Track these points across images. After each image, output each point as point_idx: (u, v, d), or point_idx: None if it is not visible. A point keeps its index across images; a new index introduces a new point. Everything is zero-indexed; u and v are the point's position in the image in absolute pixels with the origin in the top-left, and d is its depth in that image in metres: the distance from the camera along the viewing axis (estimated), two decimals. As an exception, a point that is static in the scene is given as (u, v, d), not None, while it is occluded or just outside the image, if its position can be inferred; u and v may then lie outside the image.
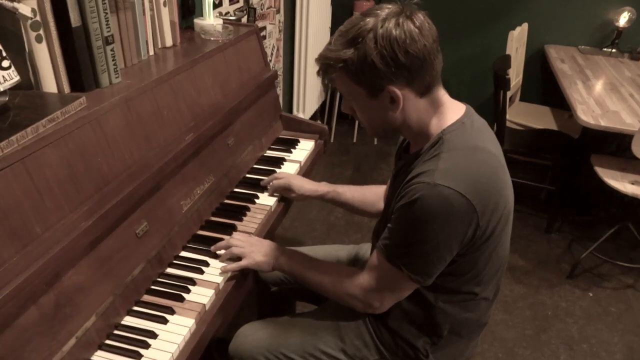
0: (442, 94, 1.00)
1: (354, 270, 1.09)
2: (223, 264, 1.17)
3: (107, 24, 1.08)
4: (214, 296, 1.10)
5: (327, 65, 0.95)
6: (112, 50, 1.11)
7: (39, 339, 0.82)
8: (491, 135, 1.03)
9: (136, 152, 1.10)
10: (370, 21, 0.90)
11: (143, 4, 1.27)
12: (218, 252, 1.20)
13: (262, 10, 2.34)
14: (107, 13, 1.07)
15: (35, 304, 0.82)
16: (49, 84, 1.03)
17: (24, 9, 0.86)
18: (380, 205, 1.31)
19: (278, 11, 2.57)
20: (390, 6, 0.93)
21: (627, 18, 2.80)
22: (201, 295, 1.09)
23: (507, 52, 2.59)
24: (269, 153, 1.72)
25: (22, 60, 0.97)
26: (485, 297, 1.07)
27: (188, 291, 1.10)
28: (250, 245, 1.19)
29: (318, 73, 0.99)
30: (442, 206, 0.89)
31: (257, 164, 1.63)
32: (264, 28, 2.42)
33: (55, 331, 0.85)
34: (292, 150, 1.74)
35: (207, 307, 1.07)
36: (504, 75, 2.29)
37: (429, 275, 0.97)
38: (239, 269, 1.16)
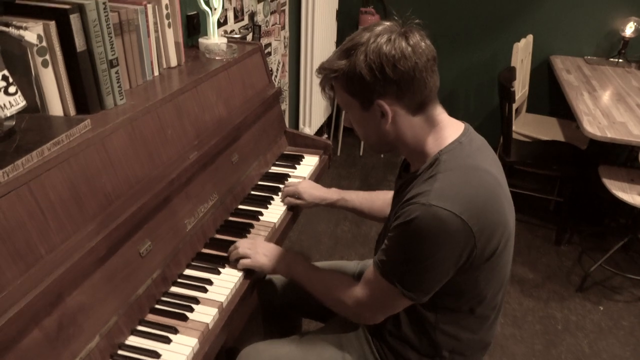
0: (439, 113, 1.00)
1: (351, 281, 1.10)
2: (228, 279, 1.19)
3: (111, 48, 1.10)
4: (217, 315, 1.10)
5: (323, 75, 0.99)
6: (116, 72, 1.13)
7: (43, 360, 0.82)
8: (490, 154, 1.03)
9: (140, 172, 1.12)
10: (365, 35, 0.94)
11: (148, 26, 1.29)
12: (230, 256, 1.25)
13: (267, 27, 2.37)
14: (111, 37, 1.09)
15: (39, 325, 0.83)
16: (55, 107, 1.05)
17: (30, 37, 0.88)
18: (388, 210, 1.32)
19: (283, 27, 2.60)
20: (389, 23, 0.96)
21: (633, 28, 2.79)
22: (205, 314, 1.09)
23: (512, 64, 2.59)
24: (274, 169, 1.73)
25: (29, 84, 1.00)
26: (487, 316, 1.06)
27: (192, 310, 1.10)
28: (255, 247, 1.23)
29: (320, 84, 1.02)
30: (437, 227, 0.89)
31: (261, 181, 1.64)
32: (269, 44, 2.45)
33: (58, 353, 0.86)
34: (297, 166, 1.75)
35: (210, 326, 1.08)
36: (508, 87, 2.29)
37: (423, 293, 0.97)
38: (241, 267, 1.21)
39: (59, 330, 0.86)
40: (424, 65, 0.92)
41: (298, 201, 1.48)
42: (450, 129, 1.01)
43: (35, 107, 1.03)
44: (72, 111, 1.09)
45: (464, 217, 0.89)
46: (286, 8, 2.59)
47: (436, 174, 0.94)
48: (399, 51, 0.90)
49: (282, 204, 1.52)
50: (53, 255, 0.88)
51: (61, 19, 0.99)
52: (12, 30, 0.87)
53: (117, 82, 1.14)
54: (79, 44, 1.03)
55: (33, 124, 0.98)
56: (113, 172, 1.05)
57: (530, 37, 2.93)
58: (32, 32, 0.90)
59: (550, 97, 3.19)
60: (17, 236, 0.83)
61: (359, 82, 0.93)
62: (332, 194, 1.46)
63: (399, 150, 1.06)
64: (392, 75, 0.91)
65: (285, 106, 2.85)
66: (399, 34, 0.92)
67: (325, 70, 0.98)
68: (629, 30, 2.81)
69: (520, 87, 2.82)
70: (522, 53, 2.73)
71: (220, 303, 1.13)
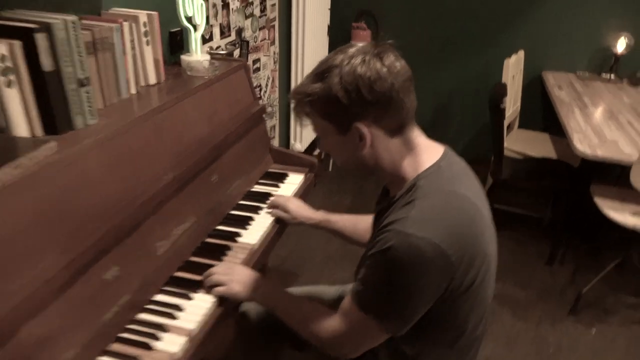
0: (416, 135, 0.97)
1: (328, 312, 1.05)
2: (199, 305, 1.15)
3: (82, 67, 1.07)
4: (186, 344, 1.06)
5: (297, 99, 0.95)
6: (87, 92, 1.10)
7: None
8: (471, 179, 1.00)
9: (110, 195, 1.08)
10: (338, 57, 0.91)
11: (124, 44, 1.27)
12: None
13: (255, 42, 2.36)
14: (82, 56, 1.07)
15: (-11, 361, 0.79)
16: (21, 128, 1.02)
17: (-11, 57, 0.85)
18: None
19: (273, 43, 2.58)
20: (362, 45, 0.94)
21: (624, 44, 2.78)
22: (172, 343, 1.05)
23: (503, 80, 2.57)
24: (257, 188, 1.69)
25: (-8, 105, 0.97)
26: (467, 350, 1.02)
27: (157, 339, 1.06)
28: (230, 274, 1.18)
29: (294, 109, 0.98)
30: (414, 256, 0.85)
31: (243, 200, 1.61)
32: (258, 60, 2.43)
33: (11, 389, 0.81)
34: (280, 184, 1.72)
35: (177, 356, 1.03)
36: (498, 104, 2.27)
37: (401, 325, 0.93)
38: (215, 295, 1.16)
39: (12, 365, 0.82)
40: (400, 86, 0.90)
41: (283, 214, 1.47)
42: (429, 152, 0.98)
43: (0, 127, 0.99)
44: (39, 132, 1.06)
45: (442, 246, 0.85)
46: (276, 23, 2.57)
47: (414, 200, 0.91)
48: (374, 72, 0.88)
49: (262, 224, 1.49)
50: (6, 287, 0.84)
51: (27, 38, 0.97)
52: (-30, 51, 0.84)
53: (88, 102, 1.11)
54: (46, 63, 1.00)
55: (-5, 146, 0.95)
56: (80, 196, 1.01)
57: (521, 53, 2.92)
58: (-8, 53, 0.87)
59: (543, 113, 3.17)
60: (-32, 266, 0.79)
61: (335, 105, 0.90)
62: (317, 214, 1.44)
63: (377, 176, 1.03)
64: (369, 96, 0.88)
65: (275, 122, 2.83)
66: (372, 54, 0.90)
67: (299, 95, 0.95)
68: (620, 46, 2.80)
69: (512, 103, 2.80)
70: (513, 69, 2.71)
71: (189, 331, 1.09)
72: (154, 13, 1.37)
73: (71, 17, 1.02)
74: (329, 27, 3.17)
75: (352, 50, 0.92)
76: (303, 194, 1.74)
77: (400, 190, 0.95)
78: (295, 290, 1.41)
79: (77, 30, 1.04)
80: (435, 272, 0.87)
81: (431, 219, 0.87)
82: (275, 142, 2.92)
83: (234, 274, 1.18)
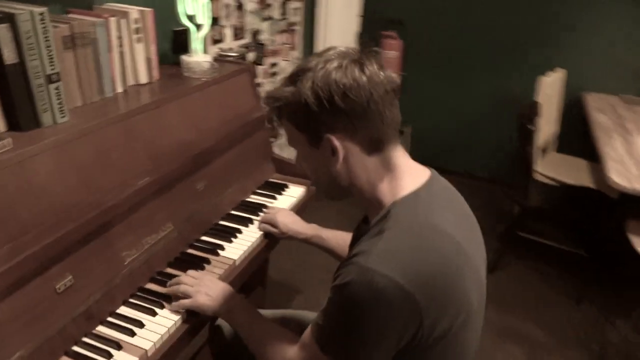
0: (399, 155, 0.86)
1: (291, 341, 0.96)
2: (162, 322, 1.07)
3: (50, 62, 1.01)
4: (136, 365, 0.98)
5: (267, 104, 0.87)
6: (56, 88, 1.04)
7: None
8: (459, 212, 0.87)
9: (68, 199, 1.02)
10: (313, 60, 0.82)
11: (110, 41, 1.21)
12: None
13: (272, 46, 2.28)
14: (50, 50, 1.01)
15: None
16: (-19, 122, 0.98)
17: None
18: None
19: (293, 47, 2.50)
20: (343, 49, 0.84)
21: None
22: (121, 363, 0.97)
23: (537, 99, 2.38)
24: (252, 198, 1.61)
25: (-50, 97, 0.92)
26: None
27: (109, 357, 0.98)
28: (199, 285, 1.10)
29: (266, 116, 0.90)
30: (373, 296, 0.73)
31: (234, 209, 1.52)
32: (276, 64, 2.35)
33: None
34: (277, 196, 1.62)
35: (123, 379, 0.95)
36: (528, 125, 2.09)
37: None
38: (178, 308, 1.08)
39: None
40: (380, 97, 0.79)
41: (273, 229, 1.38)
42: (410, 176, 0.86)
43: (-43, 121, 0.95)
44: (1, 127, 1.01)
45: (407, 287, 0.73)
46: (297, 28, 2.49)
47: (383, 231, 0.79)
48: (350, 79, 0.78)
49: (249, 237, 1.40)
50: None
51: (-12, 28, 0.92)
52: None
53: (58, 99, 1.05)
54: (8, 56, 0.95)
55: (-54, 140, 0.90)
56: (32, 199, 0.95)
57: (560, 71, 2.71)
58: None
59: (584, 138, 2.93)
60: None
61: (304, 112, 0.81)
62: (308, 229, 1.34)
63: (354, 197, 0.92)
64: (342, 105, 0.78)
65: (293, 128, 2.74)
66: (352, 60, 0.80)
67: (269, 99, 0.86)
68: (674, 69, 2.54)
69: (547, 125, 2.60)
70: (549, 88, 2.51)
71: (145, 351, 1.00)
72: (148, 10, 1.31)
73: (39, 9, 0.97)
74: (359, 34, 3.07)
75: (330, 53, 0.83)
76: (302, 207, 1.64)
77: (376, 217, 0.84)
78: (273, 312, 1.31)
79: (46, 22, 0.98)
80: (399, 316, 0.75)
81: (397, 254, 0.76)
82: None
83: (201, 285, 1.10)
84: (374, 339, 0.77)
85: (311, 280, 2.35)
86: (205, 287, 1.10)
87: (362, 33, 3.09)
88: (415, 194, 0.82)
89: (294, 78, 0.83)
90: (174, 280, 1.14)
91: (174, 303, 1.10)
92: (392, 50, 2.99)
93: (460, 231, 0.83)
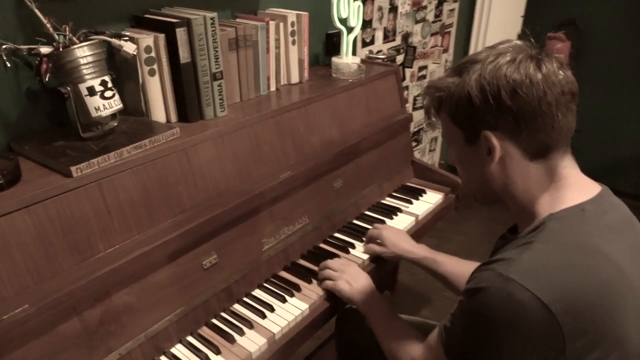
0: (566, 165, 0.77)
1: (417, 339, 0.96)
2: (290, 309, 1.14)
3: (216, 61, 1.13)
4: (264, 346, 1.04)
5: (428, 93, 0.83)
6: (219, 85, 1.16)
7: (76, 349, 0.87)
8: (632, 237, 0.75)
9: (222, 185, 1.13)
10: (484, 53, 0.76)
11: (268, 43, 1.31)
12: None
13: (424, 48, 2.24)
14: (217, 51, 1.12)
15: (79, 316, 0.88)
16: (158, 114, 1.13)
17: (128, 47, 0.95)
18: None
19: (446, 50, 2.42)
20: (519, 42, 0.77)
21: None
22: (252, 341, 1.04)
23: None
24: (387, 200, 1.60)
25: (137, 90, 1.08)
26: None
27: (242, 334, 1.06)
28: (342, 271, 1.18)
29: (424, 107, 0.88)
30: (509, 311, 0.67)
31: (369, 210, 1.53)
32: (425, 67, 2.31)
33: (95, 346, 0.90)
34: (414, 201, 1.59)
35: (253, 356, 1.02)
36: None
37: None
38: (323, 288, 1.18)
39: (100, 325, 0.91)
40: (555, 98, 0.72)
41: (379, 248, 1.30)
42: (577, 189, 0.77)
43: (141, 111, 1.11)
44: (174, 118, 1.15)
45: (553, 308, 0.65)
46: (452, 30, 2.41)
47: (532, 242, 0.72)
48: (522, 75, 0.71)
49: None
50: (109, 252, 0.92)
51: (169, 32, 1.06)
52: (114, 40, 0.95)
53: (219, 95, 1.17)
54: (183, 56, 1.08)
55: (131, 126, 1.06)
56: (192, 182, 1.07)
57: None
58: (131, 44, 0.97)
59: None
60: (79, 230, 0.89)
61: (465, 106, 0.76)
62: (419, 249, 1.25)
63: (505, 204, 0.85)
64: (509, 102, 0.72)
65: (437, 133, 2.66)
66: (528, 56, 0.73)
67: (431, 89, 0.82)
68: None
69: None
70: None
71: (273, 334, 1.07)
72: (304, 13, 1.38)
73: (211, 14, 1.08)
74: (518, 35, 2.85)
75: (504, 46, 0.76)
76: (437, 215, 1.59)
77: (528, 228, 0.77)
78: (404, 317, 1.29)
79: (215, 26, 1.10)
80: (536, 339, 0.67)
81: (545, 269, 0.68)
82: (436, 156, 2.75)
83: (345, 272, 1.17)
84: (505, 356, 0.70)
85: (442, 291, 2.25)
86: (349, 275, 1.16)
87: (524, 35, 2.86)
88: (580, 209, 0.73)
89: (460, 68, 0.77)
90: (323, 263, 1.22)
91: (320, 283, 1.20)
92: (558, 54, 2.71)
93: (629, 260, 0.71)
